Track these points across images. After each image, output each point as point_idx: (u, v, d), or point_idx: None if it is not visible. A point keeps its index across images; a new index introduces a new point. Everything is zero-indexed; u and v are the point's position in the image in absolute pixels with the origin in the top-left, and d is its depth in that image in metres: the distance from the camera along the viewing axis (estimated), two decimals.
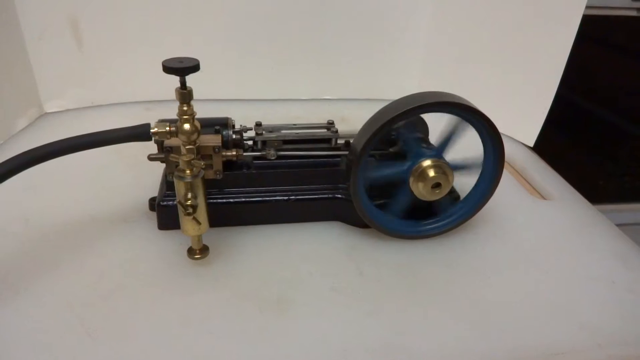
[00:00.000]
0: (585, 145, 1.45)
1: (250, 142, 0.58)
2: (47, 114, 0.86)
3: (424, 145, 0.57)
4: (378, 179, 0.54)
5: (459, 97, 0.51)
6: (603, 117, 1.42)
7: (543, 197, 0.68)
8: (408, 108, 0.48)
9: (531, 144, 0.81)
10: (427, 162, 0.51)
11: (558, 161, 0.80)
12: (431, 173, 0.51)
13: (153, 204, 0.57)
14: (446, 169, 0.52)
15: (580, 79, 0.79)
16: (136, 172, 0.66)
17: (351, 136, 0.57)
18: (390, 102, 0.50)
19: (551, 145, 0.83)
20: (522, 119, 0.81)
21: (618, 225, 0.63)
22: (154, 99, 0.88)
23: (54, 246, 0.53)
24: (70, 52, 0.84)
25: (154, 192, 0.59)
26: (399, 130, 0.56)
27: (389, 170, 0.54)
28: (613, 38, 1.31)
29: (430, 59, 0.94)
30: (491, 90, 0.82)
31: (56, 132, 0.50)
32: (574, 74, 0.76)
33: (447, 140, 0.54)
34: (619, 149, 1.46)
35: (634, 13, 1.23)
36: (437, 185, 0.52)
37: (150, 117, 0.50)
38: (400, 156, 0.54)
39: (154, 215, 0.57)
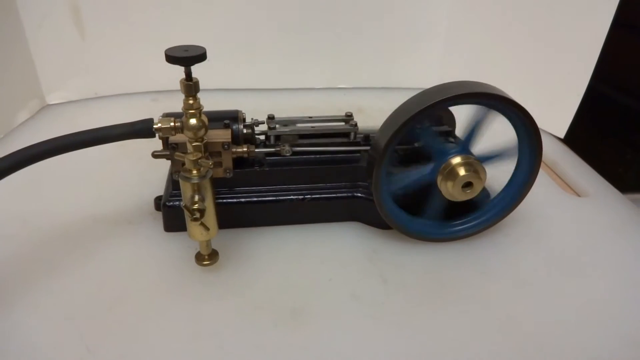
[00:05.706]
0: (605, 132, 1.39)
1: (262, 137, 0.54)
2: (49, 105, 0.83)
3: (451, 139, 0.52)
4: (403, 189, 0.50)
5: (493, 87, 0.46)
6: (622, 102, 1.35)
7: (577, 194, 0.64)
8: (439, 99, 0.43)
9: (562, 136, 0.76)
10: (456, 160, 0.47)
11: (578, 150, 0.75)
12: (461, 172, 0.46)
13: (159, 203, 0.54)
14: (477, 167, 0.47)
15: (601, 63, 0.74)
16: (141, 167, 0.63)
17: (372, 130, 0.52)
18: (418, 92, 0.46)
19: (571, 133, 0.78)
20: (552, 109, 0.76)
21: None
22: (161, 90, 0.84)
23: (54, 250, 0.50)
24: (72, 40, 0.81)
25: (160, 189, 0.56)
26: (421, 124, 0.52)
27: (413, 177, 0.49)
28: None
29: (453, 45, 0.89)
30: (518, 79, 0.77)
31: (59, 125, 0.47)
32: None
33: (473, 131, 0.49)
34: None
35: None
36: (467, 185, 0.47)
37: (157, 108, 0.47)
38: (424, 155, 0.50)
39: (160, 215, 0.53)
